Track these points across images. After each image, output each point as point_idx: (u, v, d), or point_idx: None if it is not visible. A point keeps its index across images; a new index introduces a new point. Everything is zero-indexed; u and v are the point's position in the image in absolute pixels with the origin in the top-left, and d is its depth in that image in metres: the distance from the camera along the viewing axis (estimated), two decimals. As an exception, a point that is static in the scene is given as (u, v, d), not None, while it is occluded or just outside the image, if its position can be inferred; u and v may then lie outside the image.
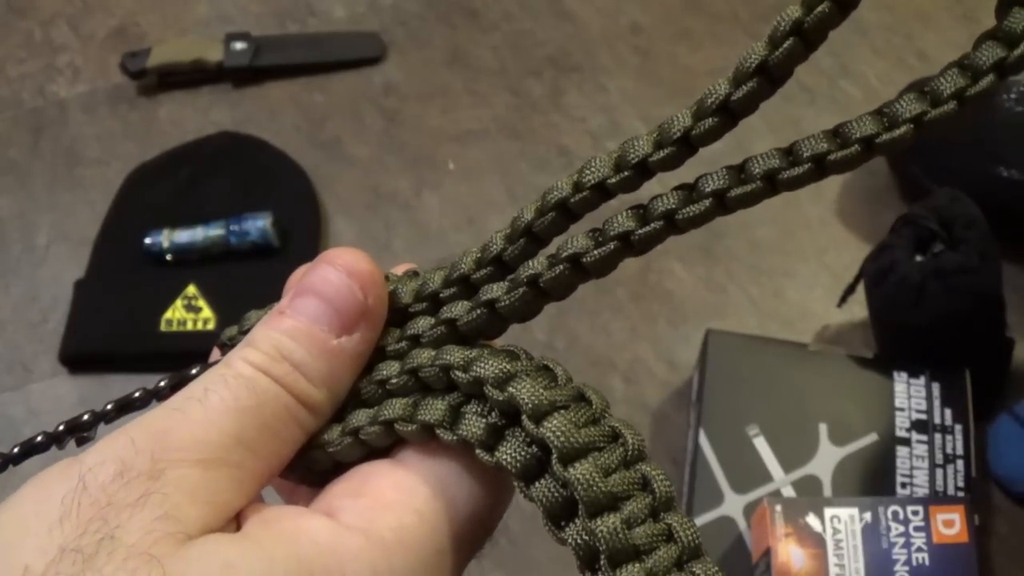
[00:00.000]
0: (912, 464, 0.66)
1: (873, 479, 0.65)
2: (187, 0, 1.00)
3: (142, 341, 0.77)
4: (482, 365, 0.22)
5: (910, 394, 0.68)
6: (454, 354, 0.22)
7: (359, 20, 0.98)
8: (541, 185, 0.87)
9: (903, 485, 0.65)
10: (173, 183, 0.85)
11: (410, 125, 0.91)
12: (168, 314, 0.78)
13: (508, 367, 0.22)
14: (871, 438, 0.67)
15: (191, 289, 0.79)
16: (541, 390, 0.21)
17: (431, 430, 0.22)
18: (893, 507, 0.60)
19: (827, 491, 0.65)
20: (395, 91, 0.93)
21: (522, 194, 0.86)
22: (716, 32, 0.95)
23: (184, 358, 0.86)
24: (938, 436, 0.67)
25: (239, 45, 0.93)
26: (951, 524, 0.60)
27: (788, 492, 0.65)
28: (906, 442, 0.67)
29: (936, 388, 0.68)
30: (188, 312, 0.78)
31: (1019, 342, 0.73)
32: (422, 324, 0.24)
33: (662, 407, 0.74)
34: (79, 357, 0.77)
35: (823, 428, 0.67)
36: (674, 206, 0.22)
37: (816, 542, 0.59)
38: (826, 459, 0.66)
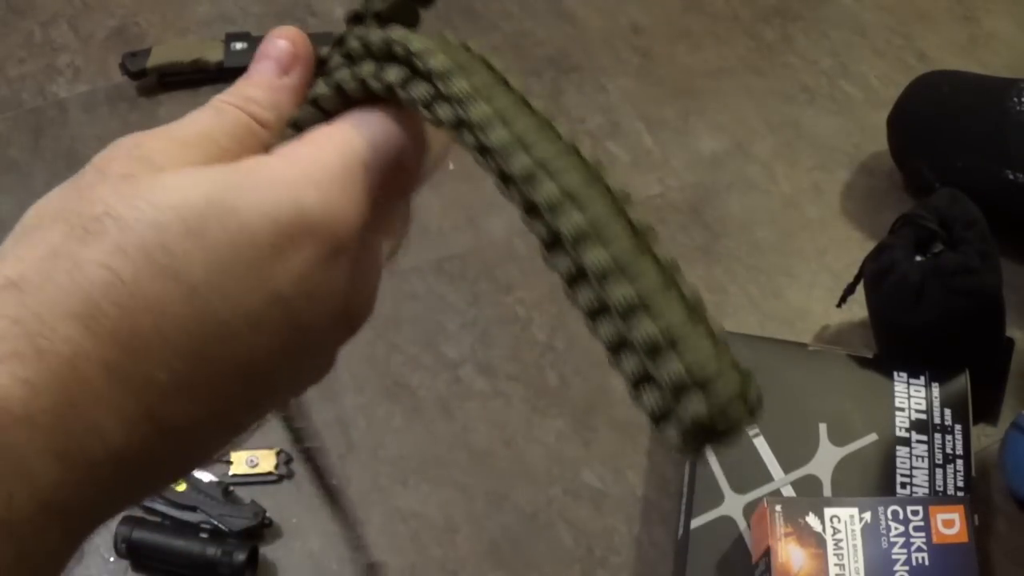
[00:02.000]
0: (912, 464, 0.66)
1: (873, 479, 0.65)
2: (187, 0, 1.00)
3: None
4: (398, 36, 0.31)
5: (910, 394, 0.68)
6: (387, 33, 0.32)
7: (359, 20, 0.98)
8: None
9: (903, 485, 0.65)
10: (173, 183, 0.85)
11: (410, 125, 0.91)
12: (168, 314, 0.78)
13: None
14: (871, 438, 0.67)
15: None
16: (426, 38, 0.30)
17: (364, 83, 0.31)
18: (893, 507, 0.60)
19: (827, 491, 0.65)
20: (395, 91, 0.93)
21: (522, 194, 0.86)
22: (716, 32, 0.95)
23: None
24: (938, 436, 0.67)
25: (239, 45, 0.93)
26: (951, 524, 0.60)
27: (788, 492, 0.65)
28: (906, 442, 0.67)
29: (936, 388, 0.68)
30: (188, 312, 0.78)
31: (1019, 342, 0.73)
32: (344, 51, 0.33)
33: (662, 407, 0.74)
34: (79, 357, 0.77)
35: (823, 428, 0.67)
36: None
37: (816, 542, 0.59)
38: (826, 459, 0.66)
